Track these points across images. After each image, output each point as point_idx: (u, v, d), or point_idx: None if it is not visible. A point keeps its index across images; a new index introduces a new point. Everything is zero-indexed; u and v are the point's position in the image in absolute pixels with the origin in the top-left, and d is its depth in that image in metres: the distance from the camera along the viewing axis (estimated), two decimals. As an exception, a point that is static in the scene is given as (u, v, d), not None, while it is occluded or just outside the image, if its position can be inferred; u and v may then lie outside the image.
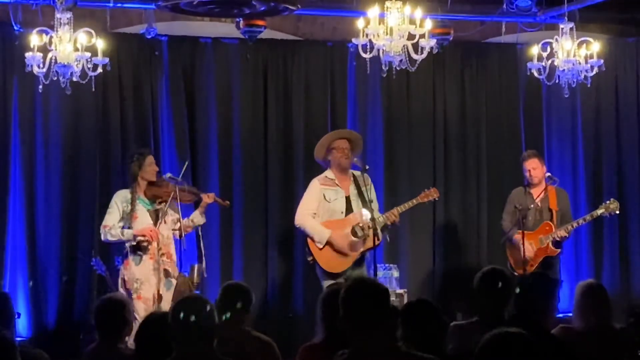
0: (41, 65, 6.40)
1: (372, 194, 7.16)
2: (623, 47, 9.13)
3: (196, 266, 7.00)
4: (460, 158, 8.82)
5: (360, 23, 6.35)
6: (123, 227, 6.78)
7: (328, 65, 8.52)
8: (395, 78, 7.37)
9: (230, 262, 8.19)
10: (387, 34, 6.31)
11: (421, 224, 8.54)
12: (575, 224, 7.65)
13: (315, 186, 7.24)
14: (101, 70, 6.56)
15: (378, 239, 6.91)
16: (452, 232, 8.77)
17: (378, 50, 6.38)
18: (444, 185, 8.50)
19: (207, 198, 6.98)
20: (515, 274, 7.39)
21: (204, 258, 7.00)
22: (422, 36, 6.39)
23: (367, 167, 7.15)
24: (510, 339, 2.94)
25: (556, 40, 7.21)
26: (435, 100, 8.78)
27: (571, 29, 7.21)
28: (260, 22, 7.75)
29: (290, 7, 7.21)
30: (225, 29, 8.23)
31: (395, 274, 8.04)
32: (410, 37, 6.36)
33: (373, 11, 6.32)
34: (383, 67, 6.61)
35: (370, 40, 6.35)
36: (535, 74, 7.35)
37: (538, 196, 7.68)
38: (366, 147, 7.97)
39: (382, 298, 3.38)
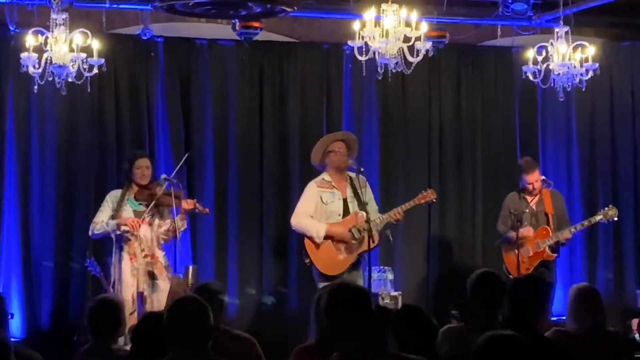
0: (37, 66, 6.40)
1: (368, 196, 7.17)
2: (618, 51, 9.15)
3: (191, 267, 7.00)
4: (456, 160, 8.83)
5: (356, 25, 6.36)
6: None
7: (324, 67, 8.52)
8: (391, 81, 7.37)
9: (224, 264, 8.18)
10: (382, 36, 6.32)
11: (416, 227, 8.54)
12: (573, 229, 7.67)
13: (312, 189, 7.24)
14: (97, 71, 6.56)
15: (373, 242, 6.91)
16: (447, 234, 8.77)
17: (374, 52, 6.39)
18: (439, 188, 8.50)
19: (187, 204, 6.94)
20: (511, 277, 7.40)
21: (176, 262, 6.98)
22: (417, 39, 6.41)
23: (362, 169, 7.16)
24: (504, 341, 2.95)
25: (551, 43, 7.23)
26: (431, 103, 8.79)
27: (566, 32, 7.23)
28: (256, 24, 7.75)
29: (286, 9, 7.21)
30: (221, 30, 8.23)
31: (390, 276, 8.05)
32: (406, 39, 6.37)
33: (369, 14, 6.34)
34: (379, 70, 6.62)
35: (366, 43, 6.35)
36: (531, 78, 7.37)
37: (533, 200, 7.70)
38: (362, 149, 7.97)
39: (363, 302, 3.38)
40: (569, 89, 7.41)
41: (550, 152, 9.04)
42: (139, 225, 6.80)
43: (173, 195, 6.87)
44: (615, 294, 8.88)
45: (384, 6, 6.36)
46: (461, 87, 8.88)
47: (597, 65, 7.28)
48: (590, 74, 7.26)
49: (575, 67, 7.20)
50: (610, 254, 9.01)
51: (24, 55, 6.43)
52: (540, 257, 7.60)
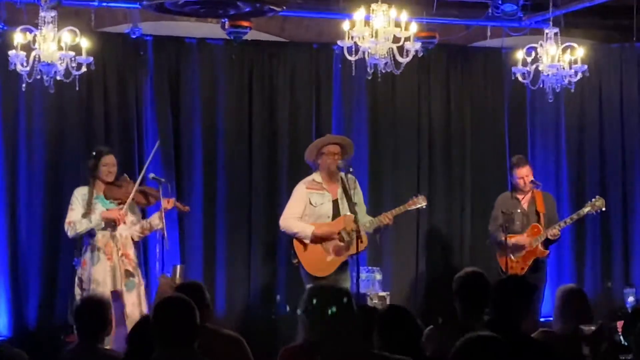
0: (25, 64, 6.37)
1: (358, 197, 7.17)
2: (607, 52, 9.17)
3: (179, 267, 6.99)
4: (445, 161, 8.84)
5: (345, 25, 6.35)
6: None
7: (313, 67, 8.52)
8: (381, 81, 7.37)
9: (213, 264, 8.17)
10: (372, 36, 6.32)
11: (405, 227, 8.54)
12: (563, 224, 7.68)
13: (301, 190, 7.22)
14: (85, 70, 6.52)
15: (362, 243, 6.89)
16: (435, 235, 8.78)
17: (363, 52, 6.39)
18: (428, 188, 8.52)
19: (167, 203, 6.88)
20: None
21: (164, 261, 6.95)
22: (407, 39, 6.41)
23: (352, 169, 7.15)
24: (482, 343, 2.94)
25: (541, 45, 7.25)
26: (420, 103, 8.79)
27: (556, 34, 7.25)
28: (245, 23, 7.74)
29: (275, 8, 7.20)
30: (210, 29, 8.21)
31: (378, 276, 8.06)
32: (396, 40, 6.38)
33: (359, 14, 6.34)
34: (368, 70, 6.62)
35: (355, 43, 6.35)
36: (520, 79, 7.38)
37: (524, 200, 7.72)
38: (351, 148, 7.96)
39: (344, 303, 3.38)
40: (558, 90, 7.43)
41: (539, 153, 9.06)
42: (124, 219, 6.74)
43: (146, 194, 6.83)
44: (602, 294, 8.92)
45: (373, 6, 6.36)
46: (450, 88, 8.89)
47: (586, 66, 7.30)
48: (579, 75, 7.28)
49: (564, 68, 7.22)
50: (597, 253, 9.04)
51: (12, 53, 6.39)
52: (533, 255, 7.61)
